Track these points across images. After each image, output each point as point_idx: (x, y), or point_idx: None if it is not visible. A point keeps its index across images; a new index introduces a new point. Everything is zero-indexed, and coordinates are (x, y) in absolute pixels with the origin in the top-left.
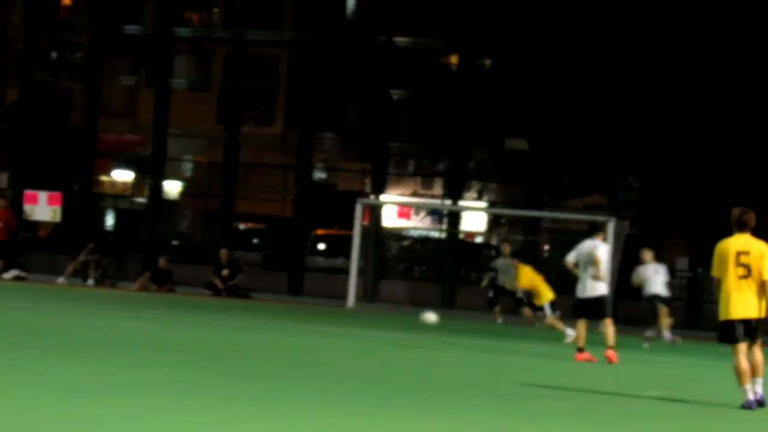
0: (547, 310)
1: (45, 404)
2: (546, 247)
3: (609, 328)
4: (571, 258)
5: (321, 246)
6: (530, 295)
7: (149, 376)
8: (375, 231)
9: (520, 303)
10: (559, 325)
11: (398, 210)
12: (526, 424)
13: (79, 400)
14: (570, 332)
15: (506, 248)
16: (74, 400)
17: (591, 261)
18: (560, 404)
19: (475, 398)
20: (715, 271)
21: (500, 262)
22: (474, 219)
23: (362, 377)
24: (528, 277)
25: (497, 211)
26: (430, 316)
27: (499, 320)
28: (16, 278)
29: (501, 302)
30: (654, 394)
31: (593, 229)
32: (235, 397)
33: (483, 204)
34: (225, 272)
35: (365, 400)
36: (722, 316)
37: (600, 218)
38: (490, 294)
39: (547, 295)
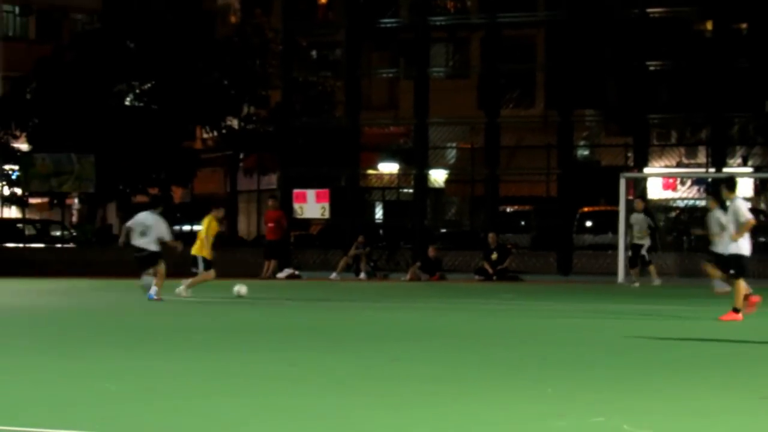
0: None
1: (318, 396)
2: None
3: None
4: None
5: (588, 223)
6: None
7: (417, 367)
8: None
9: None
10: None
11: (663, 182)
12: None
13: (351, 391)
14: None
15: (639, 205)
16: (345, 392)
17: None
18: None
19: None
20: None
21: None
22: (740, 185)
23: (639, 353)
24: None
25: (763, 175)
26: (241, 289)
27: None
28: (290, 277)
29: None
30: None
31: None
32: (500, 378)
33: (748, 169)
34: (494, 256)
35: (647, 378)
36: None
37: None
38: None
39: None
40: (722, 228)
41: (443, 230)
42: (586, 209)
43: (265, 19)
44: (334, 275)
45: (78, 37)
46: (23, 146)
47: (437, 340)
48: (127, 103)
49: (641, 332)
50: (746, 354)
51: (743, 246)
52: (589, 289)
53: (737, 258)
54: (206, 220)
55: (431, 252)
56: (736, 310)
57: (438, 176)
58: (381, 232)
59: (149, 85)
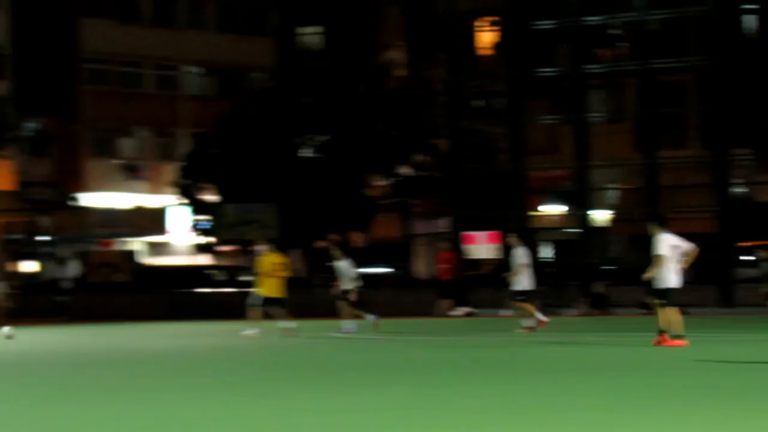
0: None
1: (501, 425)
2: None
3: None
4: None
5: (746, 257)
6: None
7: (589, 398)
8: None
9: None
10: None
11: None
12: None
13: (530, 421)
14: None
15: None
16: (525, 421)
17: None
18: None
19: None
20: None
21: None
22: None
23: None
24: None
25: None
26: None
27: None
28: (468, 315)
29: None
30: None
31: None
32: (674, 407)
33: None
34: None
35: None
36: None
37: None
38: None
39: None
40: None
41: (608, 267)
42: (743, 244)
43: (431, 71)
44: (505, 311)
45: (256, 94)
46: (212, 197)
47: (608, 371)
48: (305, 155)
49: None
50: None
51: None
52: (751, 320)
53: None
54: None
55: (599, 288)
56: None
57: (601, 216)
58: (549, 270)
59: (325, 137)
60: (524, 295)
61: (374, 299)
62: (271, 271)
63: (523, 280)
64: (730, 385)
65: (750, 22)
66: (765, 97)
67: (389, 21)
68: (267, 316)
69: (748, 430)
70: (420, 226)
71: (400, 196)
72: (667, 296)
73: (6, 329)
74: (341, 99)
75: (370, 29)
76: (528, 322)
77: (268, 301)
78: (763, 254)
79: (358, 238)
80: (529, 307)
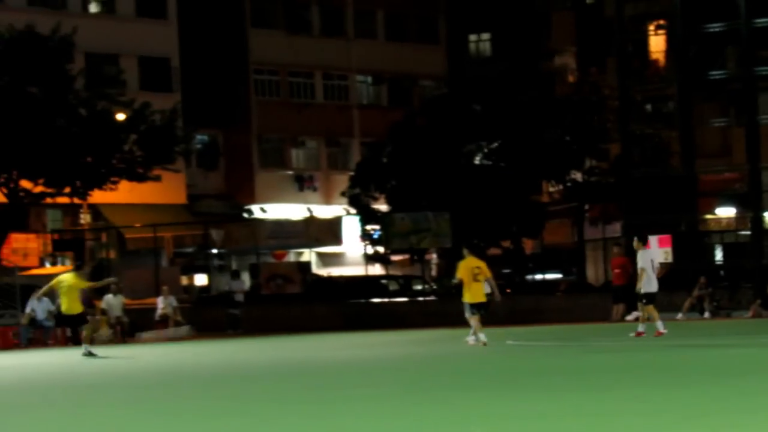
0: None
1: (674, 430)
2: None
3: None
4: None
5: None
6: None
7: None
8: None
9: None
10: None
11: None
12: None
13: (700, 425)
14: None
15: None
16: (697, 426)
17: None
18: None
19: None
20: None
21: None
22: None
23: None
24: None
25: None
26: None
27: None
28: (638, 319)
29: None
30: None
31: None
32: None
33: None
34: None
35: None
36: None
37: None
38: None
39: None
40: None
41: None
42: None
43: (601, 76)
44: (680, 315)
45: (427, 102)
46: (383, 207)
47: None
48: (476, 162)
49: None
50: None
51: None
52: None
53: None
54: None
55: None
56: None
57: None
58: (722, 273)
59: (496, 144)
60: (647, 299)
61: (548, 305)
62: (472, 276)
63: (646, 284)
64: None
65: None
66: None
67: (558, 26)
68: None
69: None
70: (591, 232)
71: (571, 201)
72: (651, 299)
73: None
74: (511, 105)
75: (540, 35)
76: (641, 327)
77: (475, 307)
78: None
79: (530, 245)
80: (652, 311)
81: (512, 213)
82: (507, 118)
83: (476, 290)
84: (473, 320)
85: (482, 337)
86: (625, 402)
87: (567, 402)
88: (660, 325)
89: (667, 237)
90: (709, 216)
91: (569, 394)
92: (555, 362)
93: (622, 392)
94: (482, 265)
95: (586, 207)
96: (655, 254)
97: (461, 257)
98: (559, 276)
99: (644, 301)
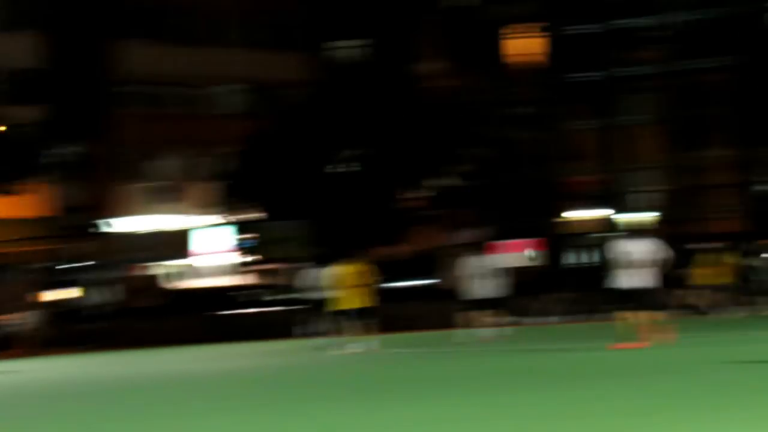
0: None
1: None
2: None
3: None
4: None
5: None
6: None
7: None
8: None
9: None
10: None
11: None
12: None
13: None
14: None
15: None
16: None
17: None
18: None
19: None
20: None
21: None
22: None
23: None
24: None
25: None
26: None
27: None
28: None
29: None
30: None
31: None
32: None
33: None
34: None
35: None
36: None
37: None
38: None
39: None
40: None
41: None
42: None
43: (468, 81)
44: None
45: (287, 110)
46: (251, 216)
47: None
48: (340, 169)
49: None
50: None
51: None
52: None
53: None
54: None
55: None
56: None
57: (636, 218)
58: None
59: (361, 151)
60: (476, 305)
61: (409, 312)
62: (349, 283)
63: (476, 289)
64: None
65: None
66: None
67: (427, 32)
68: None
69: None
70: (457, 237)
71: (437, 207)
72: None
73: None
74: (377, 112)
75: (408, 41)
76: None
77: (352, 313)
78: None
79: (394, 251)
80: (477, 317)
81: (377, 220)
82: (372, 125)
83: (352, 296)
84: (351, 327)
85: (359, 345)
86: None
87: (434, 409)
88: (488, 333)
89: (532, 240)
90: (572, 218)
91: (435, 400)
92: (423, 369)
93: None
94: (362, 269)
95: (452, 212)
96: (502, 259)
97: (329, 264)
98: (423, 282)
99: (478, 307)
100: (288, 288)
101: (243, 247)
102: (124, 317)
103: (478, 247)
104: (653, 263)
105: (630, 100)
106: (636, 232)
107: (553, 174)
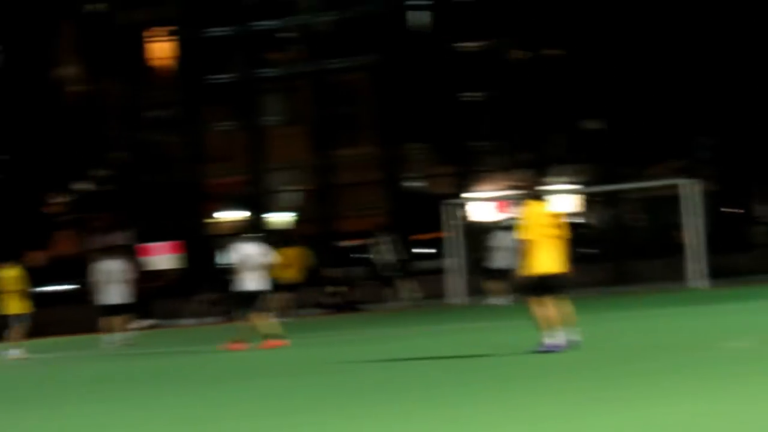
0: None
1: None
2: (635, 217)
3: None
4: None
5: (420, 250)
6: None
7: (250, 403)
8: (468, 228)
9: None
10: None
11: (497, 205)
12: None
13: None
14: None
15: None
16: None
17: None
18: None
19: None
20: None
21: None
22: (564, 200)
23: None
24: None
25: (584, 190)
26: None
27: None
28: (151, 327)
29: None
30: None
31: None
32: (319, 409)
33: (569, 185)
34: (333, 289)
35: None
36: None
37: (679, 181)
38: None
39: None
40: None
41: None
42: (419, 237)
43: (107, 84)
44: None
45: None
46: None
47: (284, 374)
48: None
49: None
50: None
51: None
52: (423, 312)
53: None
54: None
55: None
56: None
57: (283, 218)
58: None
59: (2, 157)
60: (104, 310)
61: (57, 317)
62: (7, 288)
63: (102, 295)
64: (408, 378)
65: (416, 17)
66: (433, 92)
67: (66, 35)
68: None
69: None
70: (95, 241)
71: (78, 211)
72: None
73: None
74: (16, 117)
75: (47, 46)
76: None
77: (14, 319)
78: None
79: (38, 257)
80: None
81: (19, 225)
82: (10, 131)
83: (10, 302)
84: (11, 333)
85: (18, 351)
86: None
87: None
88: (122, 337)
89: (176, 243)
90: (218, 219)
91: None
92: (63, 373)
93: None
94: (17, 275)
95: (94, 216)
96: (140, 263)
97: None
98: (67, 287)
99: (113, 311)
100: None
101: None
102: None
103: (115, 252)
104: (263, 266)
105: (270, 100)
106: (253, 234)
107: (197, 176)
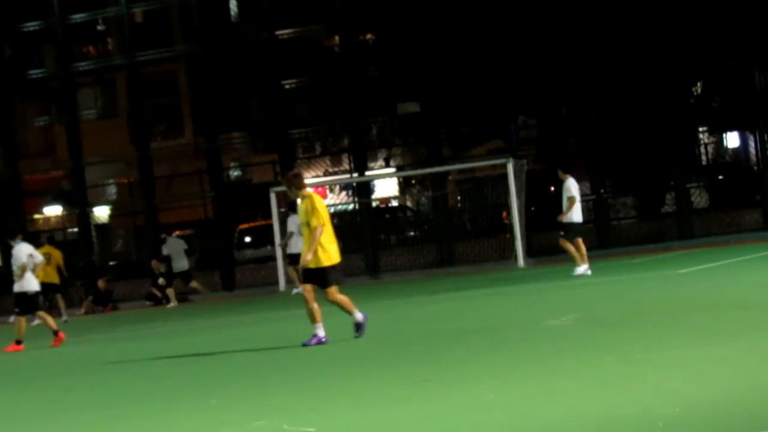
0: None
1: None
2: (458, 198)
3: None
4: None
5: (247, 239)
6: None
7: (90, 395)
8: (286, 215)
9: None
10: None
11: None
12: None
13: (22, 427)
14: None
15: None
16: (18, 428)
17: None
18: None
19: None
20: None
21: None
22: (385, 185)
23: (294, 356)
24: None
25: (404, 173)
26: None
27: None
28: None
29: None
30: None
31: None
32: (168, 398)
33: (390, 170)
34: (161, 281)
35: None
36: None
37: (500, 161)
38: None
39: None
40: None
41: (113, 263)
42: (244, 226)
43: None
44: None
45: None
46: None
47: (111, 368)
48: None
49: (284, 337)
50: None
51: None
52: (252, 301)
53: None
54: None
55: (101, 284)
56: None
57: (101, 212)
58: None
59: None
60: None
61: None
62: None
63: None
64: (229, 367)
65: (232, 6)
66: (250, 80)
67: None
68: None
69: (243, 407)
70: None
71: None
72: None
73: None
74: None
75: None
76: None
77: None
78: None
79: None
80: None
81: None
82: None
83: None
84: None
85: None
86: None
87: None
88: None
89: None
90: (36, 216)
91: None
92: None
93: None
94: None
95: None
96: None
97: None
98: None
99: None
100: None
101: None
102: None
103: None
104: (35, 266)
105: (86, 94)
106: (22, 234)
107: (15, 171)
